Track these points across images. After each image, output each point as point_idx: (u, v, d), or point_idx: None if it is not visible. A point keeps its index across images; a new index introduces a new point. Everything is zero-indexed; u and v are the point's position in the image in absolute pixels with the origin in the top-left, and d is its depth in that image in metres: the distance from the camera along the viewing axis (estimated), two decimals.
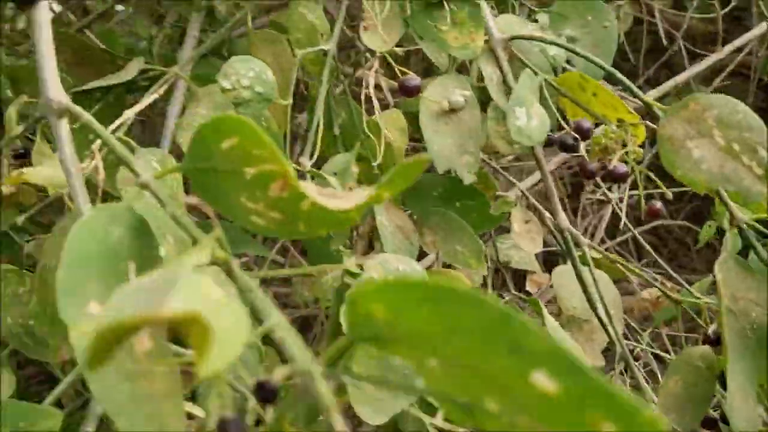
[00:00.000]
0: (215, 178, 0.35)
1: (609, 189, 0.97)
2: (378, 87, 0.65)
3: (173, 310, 0.19)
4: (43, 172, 0.41)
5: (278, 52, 0.63)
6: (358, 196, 0.32)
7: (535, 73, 0.56)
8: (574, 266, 0.57)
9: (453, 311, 0.23)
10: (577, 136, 0.52)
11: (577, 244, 0.56)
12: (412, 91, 0.53)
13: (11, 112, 0.50)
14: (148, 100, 0.55)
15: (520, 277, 0.89)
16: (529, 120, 0.51)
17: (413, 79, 0.53)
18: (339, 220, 0.34)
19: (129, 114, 0.52)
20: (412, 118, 0.64)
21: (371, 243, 0.61)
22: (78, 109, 0.39)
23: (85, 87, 0.60)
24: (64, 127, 0.39)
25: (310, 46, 0.56)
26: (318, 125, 0.54)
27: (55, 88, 0.39)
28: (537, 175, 0.85)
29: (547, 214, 0.78)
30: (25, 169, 0.42)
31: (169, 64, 0.66)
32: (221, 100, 0.56)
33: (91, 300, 0.30)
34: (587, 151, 0.54)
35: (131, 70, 0.60)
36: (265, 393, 0.27)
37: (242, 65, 0.48)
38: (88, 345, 0.20)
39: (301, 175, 0.54)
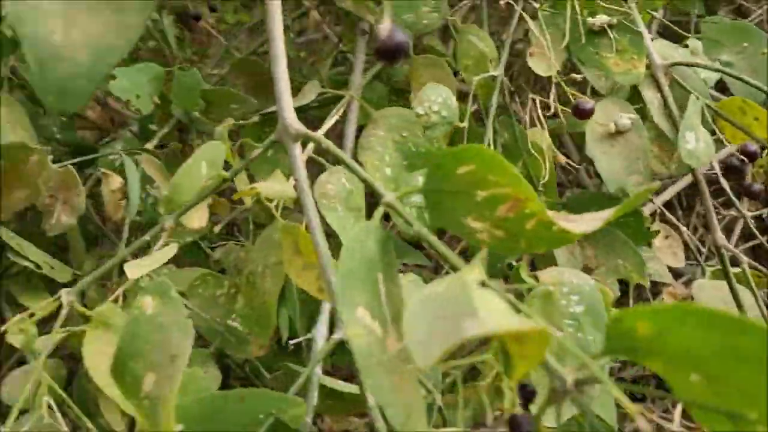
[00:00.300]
0: (447, 198, 0.38)
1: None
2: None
3: (529, 325, 0.22)
4: (274, 187, 0.45)
5: (440, 76, 0.66)
6: (593, 220, 0.34)
7: (697, 98, 0.57)
8: (730, 284, 0.57)
9: (729, 336, 0.25)
10: (743, 158, 0.53)
11: (736, 263, 0.57)
12: (586, 114, 0.55)
13: (222, 134, 0.55)
14: (331, 121, 0.59)
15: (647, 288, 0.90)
16: (698, 143, 0.53)
17: (587, 102, 0.55)
18: (560, 239, 0.37)
19: (318, 135, 0.56)
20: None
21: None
22: (314, 134, 0.42)
23: (267, 110, 0.65)
24: (298, 150, 0.43)
25: (480, 72, 0.59)
26: (489, 145, 0.57)
27: (291, 115, 0.43)
28: (670, 192, 0.86)
29: (684, 229, 0.79)
30: (258, 184, 0.46)
31: (335, 87, 0.70)
32: (395, 123, 0.60)
33: (359, 306, 0.33)
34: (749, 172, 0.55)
35: (309, 93, 0.64)
36: (526, 394, 0.30)
37: (432, 92, 0.51)
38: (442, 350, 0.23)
39: None
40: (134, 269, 0.51)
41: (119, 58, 0.27)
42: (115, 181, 0.57)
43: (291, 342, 0.53)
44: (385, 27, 0.26)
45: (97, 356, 0.39)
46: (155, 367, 0.32)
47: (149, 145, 0.65)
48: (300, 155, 0.43)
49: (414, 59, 0.68)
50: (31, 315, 0.40)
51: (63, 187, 0.51)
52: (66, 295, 0.41)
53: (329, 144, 0.40)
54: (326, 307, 0.52)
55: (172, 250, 0.52)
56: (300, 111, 0.72)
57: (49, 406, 0.38)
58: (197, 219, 0.46)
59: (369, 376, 0.32)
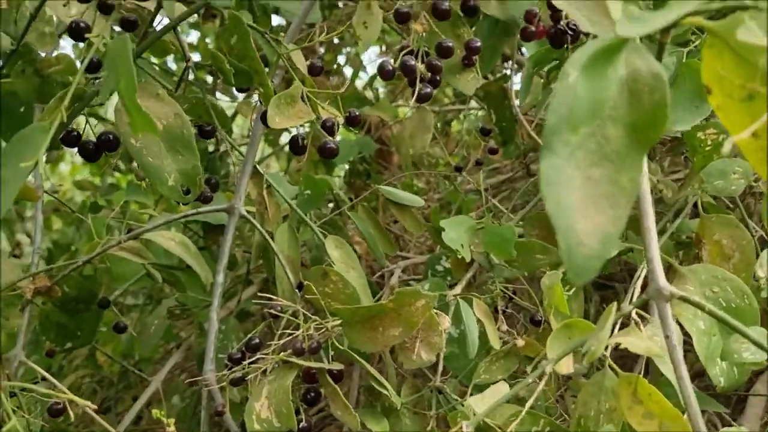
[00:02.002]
0: None
1: None
2: None
3: None
4: (639, 344, 0.47)
5: (736, 234, 0.67)
6: None
7: None
8: None
9: None
10: None
11: None
12: None
13: (553, 282, 0.58)
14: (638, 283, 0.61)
15: None
16: None
17: None
18: None
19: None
20: None
21: None
22: (687, 296, 0.45)
23: None
24: (669, 310, 0.46)
25: None
26: None
27: (662, 278, 0.46)
28: None
29: None
30: (621, 339, 0.48)
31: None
32: (705, 279, 0.61)
33: None
34: None
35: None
36: None
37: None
38: None
39: None
40: (480, 404, 0.55)
41: (615, 244, 0.31)
42: (445, 320, 0.62)
43: None
44: None
45: None
46: None
47: (458, 289, 0.70)
48: (671, 314, 0.46)
49: (704, 217, 0.69)
50: None
51: (425, 327, 0.57)
52: (466, 428, 0.44)
53: (707, 306, 0.42)
54: None
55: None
56: None
57: None
58: (566, 365, 0.49)
59: None
